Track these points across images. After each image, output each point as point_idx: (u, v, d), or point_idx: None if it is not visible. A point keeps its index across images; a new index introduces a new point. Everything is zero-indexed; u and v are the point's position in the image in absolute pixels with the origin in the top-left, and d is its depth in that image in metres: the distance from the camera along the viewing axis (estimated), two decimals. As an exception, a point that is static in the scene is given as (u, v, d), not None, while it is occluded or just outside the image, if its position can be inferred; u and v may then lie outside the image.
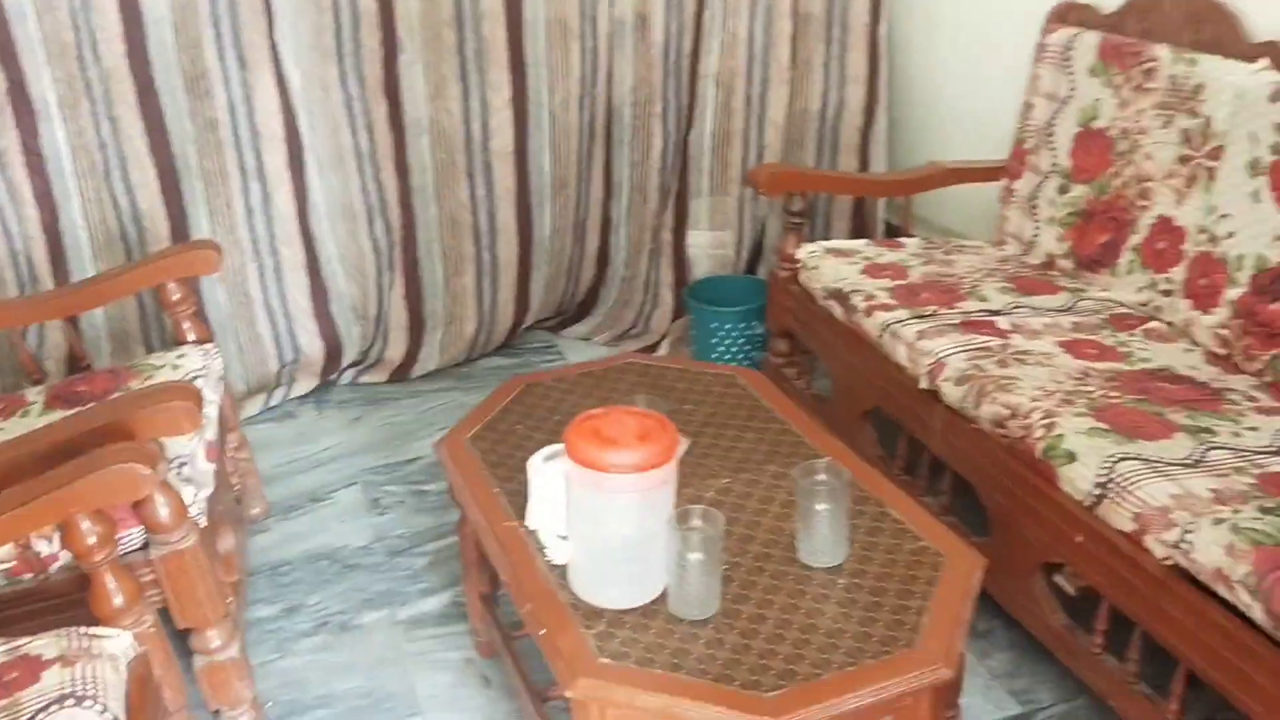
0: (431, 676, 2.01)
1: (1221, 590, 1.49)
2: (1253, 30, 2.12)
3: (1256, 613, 1.43)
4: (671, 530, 1.43)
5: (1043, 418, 1.81)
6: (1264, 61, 2.03)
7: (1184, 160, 2.14)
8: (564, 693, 1.35)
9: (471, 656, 2.05)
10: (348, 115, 2.76)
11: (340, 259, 2.92)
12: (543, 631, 1.44)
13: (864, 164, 3.27)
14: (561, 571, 1.52)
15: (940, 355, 2.06)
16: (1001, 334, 2.12)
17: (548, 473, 1.59)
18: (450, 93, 2.82)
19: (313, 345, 2.97)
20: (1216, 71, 2.09)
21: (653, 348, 3.18)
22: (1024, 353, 2.04)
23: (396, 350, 3.07)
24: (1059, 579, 1.81)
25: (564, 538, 1.52)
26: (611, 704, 1.33)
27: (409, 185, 2.90)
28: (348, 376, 3.08)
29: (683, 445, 1.74)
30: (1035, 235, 2.51)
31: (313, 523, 2.47)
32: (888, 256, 2.53)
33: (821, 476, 1.55)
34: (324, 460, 2.71)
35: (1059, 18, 2.53)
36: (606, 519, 1.44)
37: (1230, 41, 2.13)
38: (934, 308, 2.23)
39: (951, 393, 2.00)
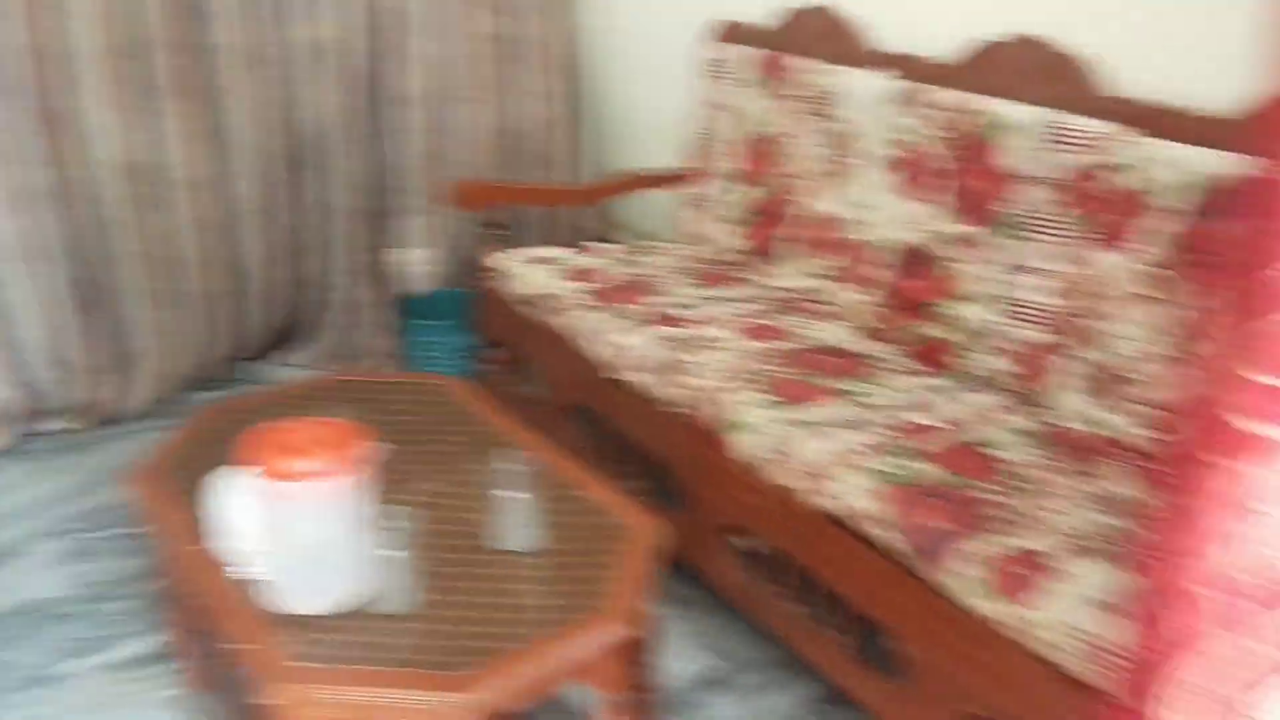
0: (145, 715, 1.95)
1: (871, 530, 1.69)
2: (875, 42, 2.40)
3: (897, 543, 1.64)
4: (370, 531, 1.49)
5: (719, 395, 1.99)
6: (884, 71, 2.30)
7: (830, 160, 2.39)
8: (263, 702, 1.37)
9: (183, 692, 2.00)
10: (29, 153, 2.63)
11: (33, 302, 2.77)
12: (241, 647, 1.45)
13: (568, 176, 3.41)
14: (259, 585, 1.54)
15: (630, 348, 2.21)
16: (687, 324, 2.29)
17: (236, 489, 1.60)
18: (136, 124, 2.74)
19: (7, 396, 2.80)
20: (847, 81, 2.35)
21: (369, 367, 3.19)
22: (707, 339, 2.22)
23: (102, 393, 2.94)
24: (739, 540, 1.99)
25: (259, 552, 1.54)
26: (309, 704, 1.36)
27: (102, 220, 2.79)
28: (51, 424, 2.92)
29: (385, 452, 1.80)
30: (716, 234, 2.72)
31: (13, 577, 2.33)
32: (587, 261, 2.67)
33: (514, 468, 1.65)
34: (25, 513, 2.56)
35: (721, 35, 2.76)
36: (299, 527, 1.48)
37: (856, 54, 2.40)
38: (626, 306, 2.39)
39: (640, 381, 2.16)
